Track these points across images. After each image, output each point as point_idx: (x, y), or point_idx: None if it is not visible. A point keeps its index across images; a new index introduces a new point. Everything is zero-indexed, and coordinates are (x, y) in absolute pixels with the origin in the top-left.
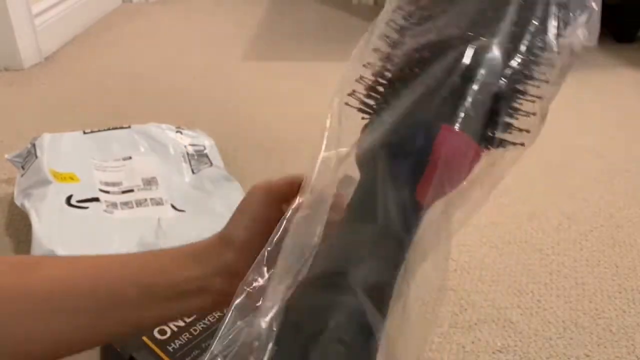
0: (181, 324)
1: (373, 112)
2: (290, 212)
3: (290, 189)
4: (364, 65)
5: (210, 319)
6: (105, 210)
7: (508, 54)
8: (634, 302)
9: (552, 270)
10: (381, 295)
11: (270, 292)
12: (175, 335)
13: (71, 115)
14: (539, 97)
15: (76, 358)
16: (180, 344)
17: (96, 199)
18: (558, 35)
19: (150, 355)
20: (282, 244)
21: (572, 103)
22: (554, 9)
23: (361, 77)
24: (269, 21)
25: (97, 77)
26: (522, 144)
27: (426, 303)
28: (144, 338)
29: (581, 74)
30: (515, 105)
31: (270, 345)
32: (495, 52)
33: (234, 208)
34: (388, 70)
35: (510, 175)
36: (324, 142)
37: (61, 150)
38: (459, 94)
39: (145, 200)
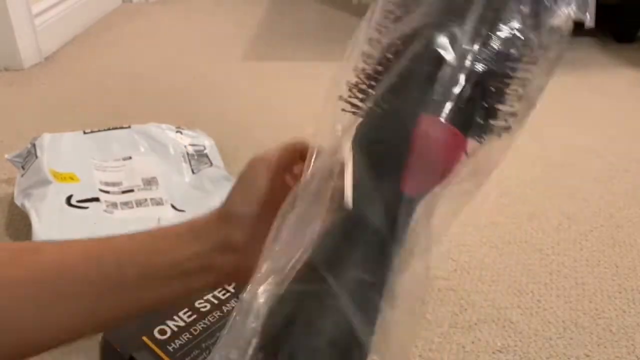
0: (181, 324)
1: (361, 109)
2: (298, 187)
3: (292, 158)
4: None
5: (210, 319)
6: (105, 210)
7: (482, 38)
8: (634, 302)
9: (552, 270)
10: (365, 294)
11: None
12: (175, 335)
13: (71, 115)
14: (522, 80)
15: (76, 358)
16: (180, 344)
17: (96, 199)
18: (537, 15)
19: (150, 355)
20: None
21: (572, 103)
22: None
23: (348, 81)
24: (269, 21)
25: (97, 77)
26: (509, 128)
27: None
28: (144, 338)
29: (581, 74)
30: (498, 90)
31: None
32: (467, 36)
33: None
34: (369, 67)
35: (510, 176)
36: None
37: (61, 150)
38: (432, 82)
39: (146, 200)
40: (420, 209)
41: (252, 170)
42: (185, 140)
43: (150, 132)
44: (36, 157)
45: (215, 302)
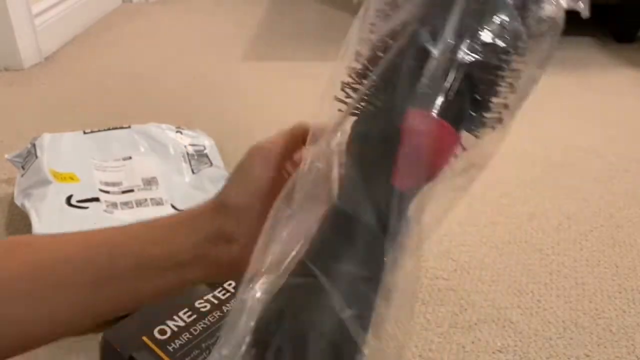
0: (181, 324)
1: (355, 108)
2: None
3: (293, 144)
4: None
5: (210, 319)
6: (105, 210)
7: (468, 30)
8: (634, 302)
9: (552, 270)
10: (357, 287)
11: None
12: (175, 335)
13: (71, 115)
14: (513, 71)
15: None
16: (180, 344)
17: (96, 199)
18: (525, 6)
19: (150, 355)
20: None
21: (572, 103)
22: None
23: (342, 81)
24: (269, 21)
25: (97, 77)
26: (501, 120)
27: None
28: (144, 338)
29: (581, 74)
30: (488, 82)
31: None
32: (452, 29)
33: None
34: (361, 66)
35: (510, 176)
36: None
37: (61, 150)
38: (419, 76)
39: (146, 200)
40: (413, 204)
41: (251, 159)
42: (185, 140)
43: (150, 132)
44: (36, 157)
45: (215, 302)
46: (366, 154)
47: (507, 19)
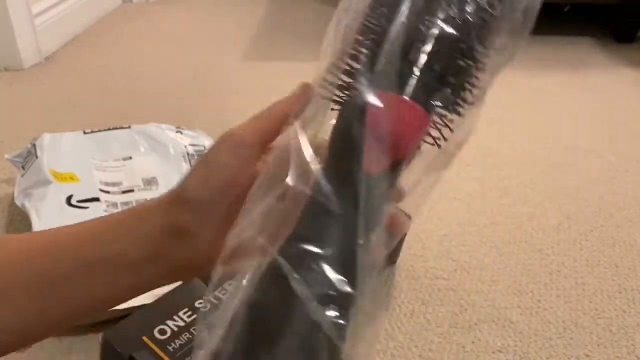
0: (181, 324)
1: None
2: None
3: (269, 131)
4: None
5: None
6: (105, 210)
7: (429, 9)
8: (634, 302)
9: (552, 270)
10: (314, 269)
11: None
12: (175, 335)
13: (71, 115)
14: (485, 50)
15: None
16: (180, 344)
17: (96, 199)
18: None
19: (150, 355)
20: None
21: (572, 103)
22: None
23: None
24: (269, 21)
25: (97, 77)
26: (472, 103)
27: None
28: (144, 338)
29: (581, 74)
30: (459, 62)
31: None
32: (419, 8)
33: None
34: (343, 59)
35: (510, 176)
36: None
37: (61, 150)
38: (377, 57)
39: (146, 200)
40: (384, 190)
41: (217, 147)
42: (185, 140)
43: (150, 132)
44: (36, 157)
45: (216, 302)
46: (337, 140)
47: None
